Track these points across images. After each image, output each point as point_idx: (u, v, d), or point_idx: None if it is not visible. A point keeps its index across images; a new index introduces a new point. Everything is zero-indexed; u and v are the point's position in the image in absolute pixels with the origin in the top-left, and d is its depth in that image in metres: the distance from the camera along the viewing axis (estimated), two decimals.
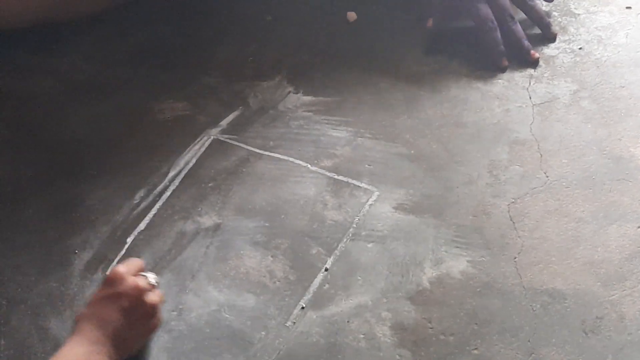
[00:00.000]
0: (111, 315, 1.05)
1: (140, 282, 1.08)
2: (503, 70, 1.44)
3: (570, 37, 1.50)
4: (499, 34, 1.44)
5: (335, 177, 1.31)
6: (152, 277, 1.12)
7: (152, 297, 1.10)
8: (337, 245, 1.22)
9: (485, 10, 1.44)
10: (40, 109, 1.46)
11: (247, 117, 1.42)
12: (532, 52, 1.44)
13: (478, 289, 1.15)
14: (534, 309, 1.13)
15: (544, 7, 1.52)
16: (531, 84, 1.42)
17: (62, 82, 1.50)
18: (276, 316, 1.14)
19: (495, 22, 1.44)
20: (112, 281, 1.07)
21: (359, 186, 1.30)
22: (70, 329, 1.10)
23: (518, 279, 1.16)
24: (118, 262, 1.21)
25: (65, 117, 1.43)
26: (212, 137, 1.38)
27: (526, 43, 1.45)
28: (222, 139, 1.38)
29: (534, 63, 1.44)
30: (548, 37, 1.48)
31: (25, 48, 1.55)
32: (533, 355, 1.08)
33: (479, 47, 1.47)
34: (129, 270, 1.10)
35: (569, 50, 1.47)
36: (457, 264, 1.18)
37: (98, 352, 1.02)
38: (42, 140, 1.40)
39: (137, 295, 1.07)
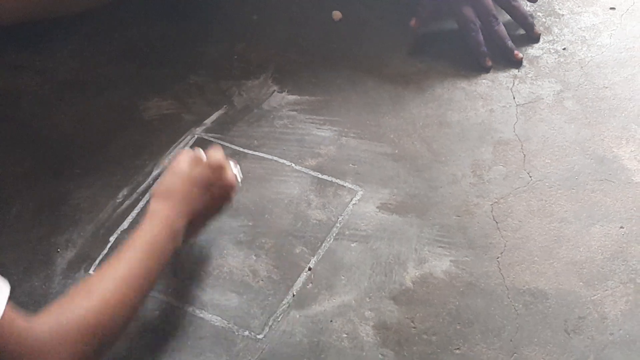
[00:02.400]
0: (198, 200, 1.11)
1: (235, 181, 1.17)
2: (487, 70, 1.45)
3: (554, 37, 1.51)
4: (481, 35, 1.45)
5: (320, 176, 1.31)
6: (234, 167, 1.18)
7: (232, 177, 1.15)
8: (321, 245, 1.22)
9: (468, 11, 1.45)
10: (26, 106, 1.45)
11: (232, 115, 1.42)
12: (515, 52, 1.45)
13: (461, 289, 1.16)
14: (517, 308, 1.13)
15: (527, 7, 1.53)
16: (515, 84, 1.42)
17: (48, 79, 1.50)
18: (259, 315, 1.14)
19: (477, 23, 1.45)
20: (214, 169, 1.13)
21: (343, 185, 1.30)
22: None
23: (501, 278, 1.17)
24: (100, 261, 1.21)
25: (52, 115, 1.43)
26: (196, 136, 1.38)
27: (510, 43, 1.45)
28: (206, 137, 1.38)
29: (517, 63, 1.45)
30: (532, 37, 1.49)
31: (12, 45, 1.54)
32: (515, 355, 1.09)
33: (464, 48, 1.47)
34: (220, 151, 1.16)
35: (553, 51, 1.48)
36: (441, 264, 1.19)
37: (175, 232, 1.07)
38: (27, 138, 1.39)
39: (229, 191, 1.15)
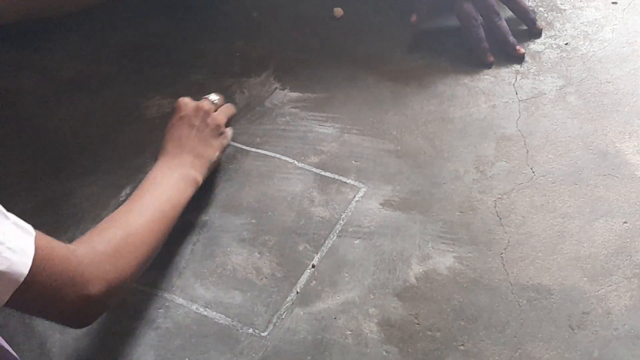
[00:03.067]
0: (184, 133, 1.24)
1: (203, 103, 1.28)
2: (489, 66, 1.44)
3: (557, 32, 1.50)
4: (482, 31, 1.44)
5: (322, 173, 1.31)
6: (213, 97, 1.31)
7: (217, 115, 1.28)
8: (324, 242, 1.22)
9: (469, 7, 1.45)
10: (27, 105, 1.45)
11: (234, 113, 1.41)
12: (517, 47, 1.45)
13: (465, 285, 1.16)
14: (521, 304, 1.13)
15: (529, 2, 1.52)
16: (517, 79, 1.42)
17: (49, 78, 1.50)
18: (263, 313, 1.14)
19: (478, 19, 1.45)
20: (179, 108, 1.27)
21: (346, 182, 1.30)
22: (55, 328, 1.10)
23: (504, 274, 1.16)
24: None
25: (52, 114, 1.43)
26: None
27: (512, 39, 1.45)
28: None
29: (519, 58, 1.45)
30: (533, 32, 1.49)
31: (12, 45, 1.54)
32: (519, 350, 1.08)
33: (465, 44, 1.47)
34: (191, 98, 1.29)
35: (555, 46, 1.48)
36: (444, 260, 1.19)
37: (181, 164, 1.20)
38: (28, 137, 1.39)
39: (202, 114, 1.26)
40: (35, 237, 0.90)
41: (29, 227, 0.91)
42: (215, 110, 1.29)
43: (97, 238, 1.02)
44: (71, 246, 0.97)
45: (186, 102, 1.27)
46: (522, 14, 1.48)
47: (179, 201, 1.16)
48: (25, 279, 0.87)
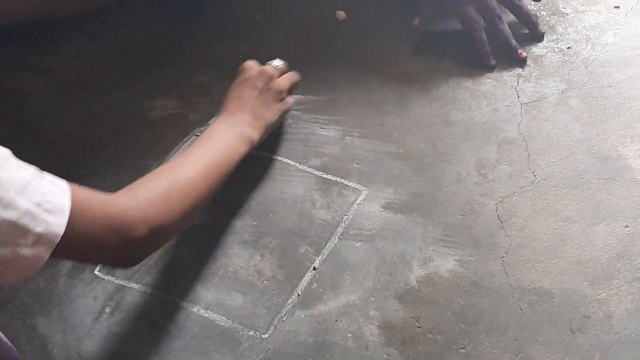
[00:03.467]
0: (246, 94, 1.29)
1: (267, 67, 1.33)
2: (491, 69, 1.44)
3: (559, 36, 1.50)
4: (484, 34, 1.44)
5: (324, 176, 1.31)
6: (277, 62, 1.36)
7: (281, 80, 1.33)
8: (326, 244, 1.22)
9: (471, 10, 1.44)
10: (31, 106, 1.46)
11: None
12: (520, 51, 1.45)
13: (466, 288, 1.16)
14: (522, 307, 1.13)
15: (531, 6, 1.53)
16: (519, 83, 1.42)
17: (53, 79, 1.50)
18: (264, 315, 1.14)
19: (481, 23, 1.45)
20: (243, 70, 1.33)
21: (347, 185, 1.30)
22: (57, 329, 1.11)
23: (506, 277, 1.17)
24: None
25: (57, 115, 1.43)
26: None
27: (514, 42, 1.45)
28: None
29: (521, 62, 1.45)
30: (535, 36, 1.49)
31: (17, 45, 1.54)
32: (520, 354, 1.09)
33: (467, 47, 1.47)
34: (256, 62, 1.34)
35: (557, 50, 1.48)
36: (445, 263, 1.19)
37: (239, 122, 1.24)
38: (32, 138, 1.40)
39: (266, 78, 1.31)
40: (72, 191, 0.93)
41: (64, 184, 0.94)
42: (279, 77, 1.34)
43: (141, 187, 1.05)
44: (111, 195, 1.01)
45: (251, 65, 1.33)
46: (524, 17, 1.48)
47: (232, 156, 1.19)
48: (63, 236, 0.90)
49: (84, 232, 0.93)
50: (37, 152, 1.37)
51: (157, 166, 1.33)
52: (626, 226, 1.21)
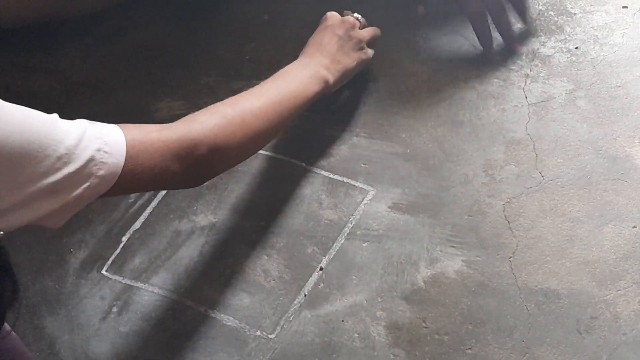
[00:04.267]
0: (326, 40, 1.31)
1: (348, 17, 1.36)
2: (492, 60, 1.44)
3: (567, 36, 1.50)
4: (489, 28, 1.43)
5: (331, 176, 1.31)
6: (357, 15, 1.38)
7: (362, 31, 1.36)
8: (332, 245, 1.22)
9: (479, 6, 1.42)
10: (38, 107, 1.43)
11: None
12: (518, 45, 1.44)
13: (473, 289, 1.16)
14: (529, 308, 1.13)
15: (538, 6, 1.51)
16: (527, 83, 1.42)
17: (60, 81, 1.50)
18: (271, 315, 1.14)
19: (486, 16, 1.43)
20: (325, 19, 1.35)
21: (354, 185, 1.30)
22: (65, 329, 1.11)
23: (513, 278, 1.16)
24: (113, 261, 1.22)
25: (63, 116, 1.42)
26: None
27: (514, 35, 1.44)
28: None
29: (518, 55, 1.44)
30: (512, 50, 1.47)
31: (24, 47, 1.55)
32: (527, 355, 1.08)
33: (474, 46, 1.47)
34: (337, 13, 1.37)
35: (565, 50, 1.47)
36: (452, 264, 1.19)
37: (315, 63, 1.27)
38: None
39: (346, 26, 1.34)
40: (125, 129, 0.97)
41: (113, 126, 0.97)
42: (361, 27, 1.37)
43: (201, 113, 1.09)
44: (166, 124, 1.04)
45: (333, 14, 1.36)
46: (521, 9, 1.47)
47: (303, 93, 1.21)
48: (123, 172, 0.94)
49: (143, 164, 0.97)
50: None
51: None
52: (634, 227, 1.21)
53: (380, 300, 1.15)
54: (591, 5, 1.55)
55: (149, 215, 1.27)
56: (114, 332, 1.14)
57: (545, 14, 1.53)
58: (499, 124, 1.36)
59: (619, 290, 1.14)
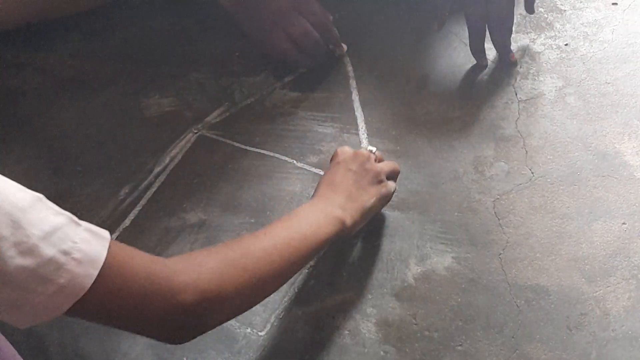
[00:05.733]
0: (339, 177, 1.16)
1: (361, 151, 1.21)
2: (483, 67, 1.44)
3: (556, 33, 1.50)
4: (484, 35, 1.42)
5: (321, 173, 1.31)
6: (371, 148, 1.25)
7: (379, 164, 1.21)
8: None
9: (479, 9, 1.40)
10: (27, 104, 1.45)
11: (233, 113, 1.42)
12: (511, 53, 1.43)
13: (463, 285, 1.16)
14: (519, 305, 1.13)
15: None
16: (517, 80, 1.42)
17: (49, 77, 1.50)
18: (261, 312, 1.14)
19: (484, 24, 1.41)
20: (336, 155, 1.20)
21: None
22: (54, 327, 1.10)
23: (503, 275, 1.16)
24: None
25: (53, 113, 1.43)
26: (197, 133, 1.38)
27: (509, 46, 1.43)
28: (207, 135, 1.38)
29: (512, 64, 1.44)
30: (506, 62, 1.46)
31: (13, 44, 1.54)
32: (517, 351, 1.08)
33: (465, 44, 1.47)
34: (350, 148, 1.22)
35: (555, 47, 1.48)
36: (442, 260, 1.19)
37: (329, 204, 1.11)
38: (28, 136, 1.39)
39: (360, 160, 1.18)
40: (111, 244, 0.85)
41: (103, 233, 0.86)
42: (376, 161, 1.22)
43: (199, 253, 0.96)
44: (161, 257, 0.91)
45: (345, 149, 1.20)
46: (500, 44, 1.45)
47: (315, 235, 1.05)
48: (92, 290, 0.82)
49: (120, 290, 0.85)
50: (32, 150, 1.37)
51: (154, 164, 1.33)
52: (623, 223, 1.21)
53: (370, 297, 1.15)
54: (581, 2, 1.56)
55: (138, 213, 1.27)
56: (103, 330, 1.13)
57: (535, 10, 1.53)
58: (488, 121, 1.37)
59: (609, 286, 1.14)
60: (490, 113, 1.38)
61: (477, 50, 1.44)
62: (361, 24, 1.56)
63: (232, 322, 1.13)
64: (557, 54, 1.46)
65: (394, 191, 1.21)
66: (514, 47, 1.45)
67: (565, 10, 1.55)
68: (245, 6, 1.45)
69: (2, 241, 0.77)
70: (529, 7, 1.47)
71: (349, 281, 1.17)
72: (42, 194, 1.28)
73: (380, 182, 1.18)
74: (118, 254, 0.85)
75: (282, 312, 1.14)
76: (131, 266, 0.86)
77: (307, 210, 1.09)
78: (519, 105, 1.38)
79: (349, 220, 1.11)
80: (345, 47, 1.49)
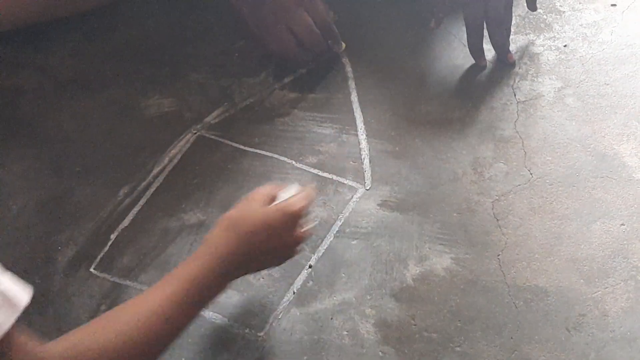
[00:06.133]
0: (258, 250, 1.01)
1: (304, 238, 1.07)
2: (482, 68, 1.44)
3: (555, 34, 1.50)
4: (482, 36, 1.42)
5: (320, 173, 1.31)
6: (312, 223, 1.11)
7: (304, 234, 1.07)
8: (322, 242, 1.22)
9: (477, 9, 1.41)
10: (27, 105, 1.45)
11: (233, 113, 1.42)
12: (509, 54, 1.43)
13: (462, 286, 1.16)
14: (517, 306, 1.13)
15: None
16: (516, 81, 1.42)
17: (48, 77, 1.50)
18: (260, 313, 1.14)
19: (482, 24, 1.41)
20: (258, 198, 1.04)
21: (343, 183, 1.30)
22: (53, 328, 1.11)
23: (501, 276, 1.16)
24: (101, 259, 1.21)
25: (52, 113, 1.43)
26: (197, 134, 1.38)
27: (507, 46, 1.44)
28: (207, 135, 1.38)
29: (510, 65, 1.44)
30: (504, 61, 1.46)
31: (13, 44, 1.54)
32: (516, 352, 1.09)
33: (464, 45, 1.47)
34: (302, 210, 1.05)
35: (554, 48, 1.48)
36: (441, 261, 1.19)
37: (227, 279, 1.00)
38: (28, 136, 1.39)
39: (293, 246, 1.06)
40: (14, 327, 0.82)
41: (18, 301, 0.83)
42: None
43: (83, 337, 0.90)
44: (47, 345, 0.88)
45: (294, 209, 1.04)
46: (498, 44, 1.46)
47: (197, 312, 0.99)
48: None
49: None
50: (32, 150, 1.37)
51: (153, 164, 1.33)
52: (622, 224, 1.21)
53: (369, 297, 1.15)
54: (580, 3, 1.56)
55: (137, 213, 1.27)
56: None
57: (537, 8, 1.53)
58: (488, 122, 1.37)
59: (607, 287, 1.14)
60: (489, 114, 1.38)
61: (476, 50, 1.44)
62: (360, 24, 1.56)
63: (231, 322, 1.13)
64: (556, 55, 1.46)
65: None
66: (512, 48, 1.45)
67: (564, 12, 1.55)
68: (250, 0, 1.45)
69: None
70: (531, 4, 1.47)
71: (348, 282, 1.17)
72: (42, 194, 1.30)
73: (292, 254, 1.08)
74: (14, 335, 0.82)
75: (280, 313, 1.14)
76: (17, 350, 0.83)
77: (206, 277, 0.97)
78: (517, 106, 1.38)
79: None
80: (344, 45, 1.49)
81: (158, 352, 0.94)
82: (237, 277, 1.03)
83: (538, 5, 1.50)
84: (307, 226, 1.07)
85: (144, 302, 0.94)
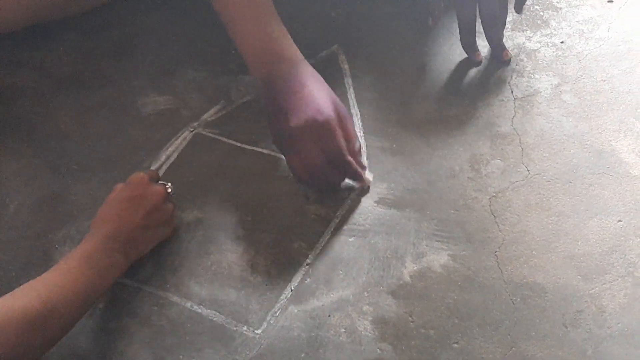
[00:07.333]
0: (132, 216, 1.12)
1: (163, 189, 1.17)
2: (477, 64, 1.44)
3: (552, 31, 1.50)
4: (475, 34, 1.42)
5: None
6: (169, 187, 1.19)
7: (170, 205, 1.18)
8: (319, 240, 1.22)
9: (470, 8, 1.41)
10: (24, 103, 1.45)
11: (230, 111, 1.42)
12: (505, 51, 1.43)
13: (459, 283, 1.16)
14: (515, 302, 1.13)
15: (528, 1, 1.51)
16: (513, 77, 1.42)
17: (46, 76, 1.50)
18: (257, 311, 1.14)
19: (475, 22, 1.41)
20: (136, 185, 1.16)
21: None
22: None
23: (499, 272, 1.17)
24: None
25: (50, 112, 1.43)
26: (194, 131, 1.38)
27: (502, 43, 1.43)
28: (204, 133, 1.38)
29: (505, 62, 1.44)
30: (499, 60, 1.46)
31: (10, 42, 1.54)
32: (513, 348, 1.09)
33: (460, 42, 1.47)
34: (150, 176, 1.18)
35: (551, 44, 1.48)
36: (439, 258, 1.19)
37: (112, 249, 1.08)
38: (25, 134, 1.39)
39: (159, 200, 1.15)
40: None
41: None
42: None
43: None
44: None
45: (146, 181, 1.18)
46: (493, 41, 1.46)
47: (90, 302, 1.06)
48: None
49: None
50: (29, 148, 1.37)
51: (150, 162, 1.33)
52: (619, 220, 1.21)
53: (366, 295, 1.15)
54: (577, 0, 1.56)
55: None
56: (99, 328, 1.13)
57: (531, 8, 1.54)
58: (485, 119, 1.37)
59: (605, 284, 1.15)
60: (486, 111, 1.38)
61: (468, 45, 1.44)
62: (357, 21, 1.56)
63: (229, 320, 1.13)
64: (553, 52, 1.46)
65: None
66: (509, 44, 1.46)
67: (561, 8, 1.55)
68: (284, 94, 1.25)
69: None
70: (519, 7, 1.47)
71: (345, 279, 1.17)
72: (39, 192, 1.30)
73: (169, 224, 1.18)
74: None
75: (278, 310, 1.14)
76: None
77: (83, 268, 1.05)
78: (514, 102, 1.39)
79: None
80: (370, 178, 1.29)
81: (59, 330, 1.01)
82: (131, 254, 1.11)
83: (536, 2, 1.50)
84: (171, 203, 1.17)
85: (38, 282, 1.01)
